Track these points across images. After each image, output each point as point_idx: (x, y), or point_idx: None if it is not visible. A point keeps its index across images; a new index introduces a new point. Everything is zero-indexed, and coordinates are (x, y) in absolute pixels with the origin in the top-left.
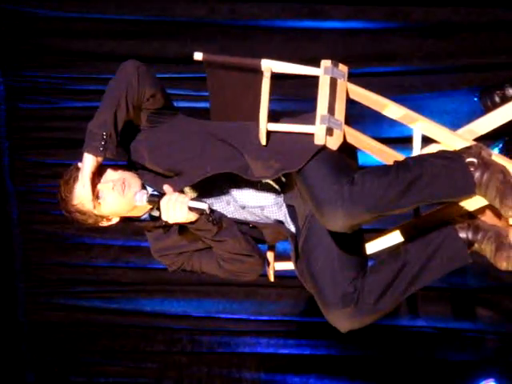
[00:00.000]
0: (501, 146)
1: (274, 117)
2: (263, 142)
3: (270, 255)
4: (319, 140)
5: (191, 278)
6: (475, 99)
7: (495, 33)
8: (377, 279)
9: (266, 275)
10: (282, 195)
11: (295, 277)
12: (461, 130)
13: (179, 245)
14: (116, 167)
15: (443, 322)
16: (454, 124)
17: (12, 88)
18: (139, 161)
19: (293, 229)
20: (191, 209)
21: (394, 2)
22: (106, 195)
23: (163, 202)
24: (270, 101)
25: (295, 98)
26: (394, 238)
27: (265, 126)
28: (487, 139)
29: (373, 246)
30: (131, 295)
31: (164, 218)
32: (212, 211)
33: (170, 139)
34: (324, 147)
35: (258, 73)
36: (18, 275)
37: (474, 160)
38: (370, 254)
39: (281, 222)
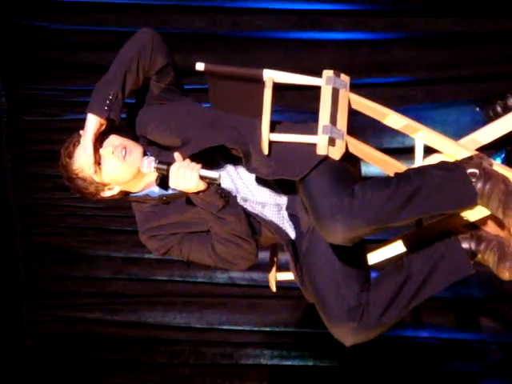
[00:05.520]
0: (503, 155)
1: (275, 127)
2: (265, 151)
3: (272, 266)
4: (321, 150)
5: (194, 290)
6: (477, 109)
7: (496, 43)
8: (381, 293)
9: (268, 286)
10: (284, 199)
11: (298, 288)
12: (463, 140)
13: (174, 222)
14: (119, 134)
15: (447, 333)
16: (456, 134)
17: (14, 100)
18: (143, 132)
19: (293, 236)
20: (202, 177)
21: (394, 12)
22: (106, 160)
23: (174, 168)
24: (272, 112)
25: (297, 108)
26: (396, 248)
27: (267, 136)
28: (489, 149)
29: (375, 257)
30: (134, 307)
31: (172, 185)
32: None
33: (180, 111)
34: (326, 157)
35: (260, 83)
36: (21, 288)
37: (476, 170)
38: (372, 265)
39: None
